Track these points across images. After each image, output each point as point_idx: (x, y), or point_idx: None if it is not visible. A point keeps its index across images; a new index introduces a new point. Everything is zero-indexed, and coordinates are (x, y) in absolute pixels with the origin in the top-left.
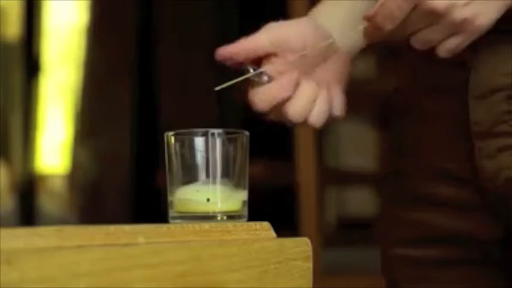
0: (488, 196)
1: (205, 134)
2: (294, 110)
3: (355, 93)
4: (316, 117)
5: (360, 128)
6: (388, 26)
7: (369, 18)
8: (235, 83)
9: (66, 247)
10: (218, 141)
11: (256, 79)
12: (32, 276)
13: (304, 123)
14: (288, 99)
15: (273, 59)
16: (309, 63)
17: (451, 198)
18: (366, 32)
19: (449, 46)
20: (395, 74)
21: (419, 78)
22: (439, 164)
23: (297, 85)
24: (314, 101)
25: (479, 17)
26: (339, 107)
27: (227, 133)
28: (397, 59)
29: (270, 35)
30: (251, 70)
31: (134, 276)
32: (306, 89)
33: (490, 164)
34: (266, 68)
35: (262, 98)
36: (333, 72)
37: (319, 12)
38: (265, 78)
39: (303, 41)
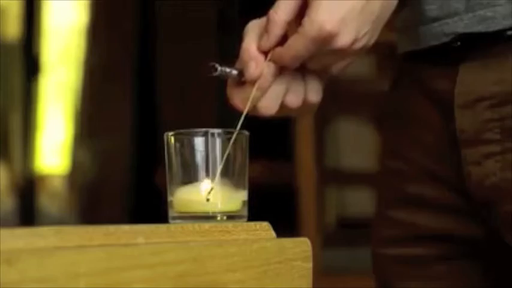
0: (473, 201)
1: (205, 134)
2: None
3: (355, 93)
4: (289, 101)
5: (360, 128)
6: (292, 64)
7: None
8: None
9: (66, 247)
10: (218, 141)
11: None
12: (32, 276)
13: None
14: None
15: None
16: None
17: (437, 199)
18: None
19: (341, 66)
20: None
21: (409, 83)
22: (428, 167)
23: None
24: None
25: (369, 41)
26: (314, 93)
27: (227, 133)
28: (392, 60)
29: None
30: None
31: (134, 276)
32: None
33: (476, 170)
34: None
35: (240, 97)
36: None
37: None
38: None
39: None
